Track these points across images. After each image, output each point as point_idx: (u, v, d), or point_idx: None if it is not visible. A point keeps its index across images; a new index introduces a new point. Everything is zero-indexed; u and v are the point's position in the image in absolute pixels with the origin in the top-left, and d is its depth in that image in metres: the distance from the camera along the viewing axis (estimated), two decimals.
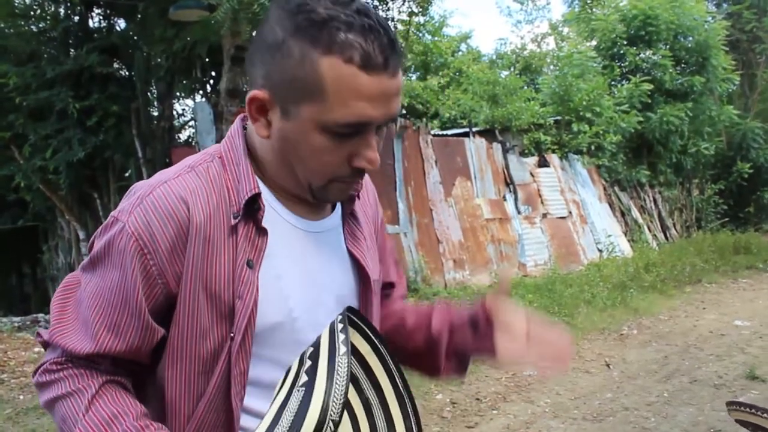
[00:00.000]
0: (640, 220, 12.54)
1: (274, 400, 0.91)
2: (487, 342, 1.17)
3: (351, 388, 1.00)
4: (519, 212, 10.48)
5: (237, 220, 0.99)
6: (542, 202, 10.88)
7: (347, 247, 1.14)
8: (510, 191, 10.58)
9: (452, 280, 9.02)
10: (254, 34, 1.05)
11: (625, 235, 11.98)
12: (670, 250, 11.57)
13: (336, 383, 0.82)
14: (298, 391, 0.86)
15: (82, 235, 9.27)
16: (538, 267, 10.08)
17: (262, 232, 1.01)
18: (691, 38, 13.43)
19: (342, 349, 0.84)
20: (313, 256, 1.08)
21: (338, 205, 1.15)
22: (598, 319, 7.42)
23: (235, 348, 0.99)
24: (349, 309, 0.96)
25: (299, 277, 1.05)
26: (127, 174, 9.14)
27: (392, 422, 1.03)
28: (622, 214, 12.39)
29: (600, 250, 11.13)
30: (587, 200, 11.54)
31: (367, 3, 0.96)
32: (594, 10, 15.44)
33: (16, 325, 7.60)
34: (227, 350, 0.99)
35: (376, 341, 1.01)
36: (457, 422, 4.58)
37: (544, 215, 10.78)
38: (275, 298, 1.02)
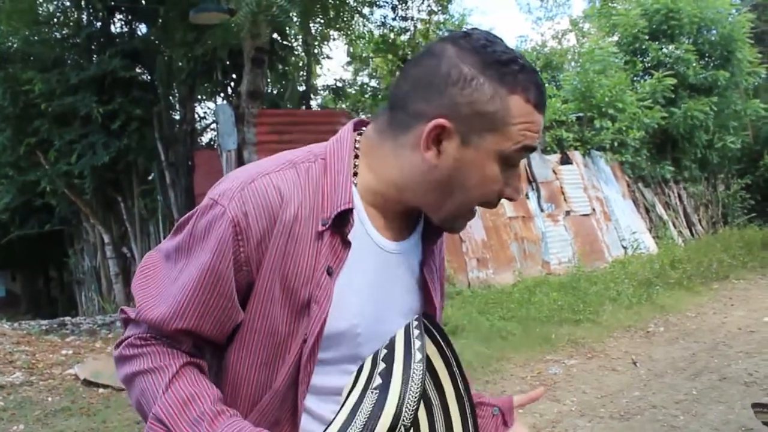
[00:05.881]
0: (665, 217, 12.39)
1: (346, 400, 0.96)
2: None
3: None
4: (542, 210, 10.41)
5: (325, 228, 1.03)
6: (565, 200, 10.79)
7: (423, 275, 1.18)
8: (533, 189, 10.51)
9: (476, 279, 8.99)
10: (414, 66, 1.07)
11: (650, 231, 11.84)
12: (696, 246, 11.41)
13: (410, 390, 0.85)
14: (372, 393, 0.89)
15: (106, 238, 9.37)
16: (562, 265, 10.00)
17: (347, 244, 1.05)
18: (714, 31, 13.23)
19: (417, 356, 0.88)
20: (386, 275, 1.11)
21: (416, 231, 1.18)
22: (623, 317, 7.34)
23: (306, 350, 1.03)
24: (423, 315, 0.99)
25: (369, 292, 1.09)
26: (150, 177, 9.22)
27: (451, 424, 1.06)
28: (647, 211, 12.24)
29: (624, 247, 11.01)
30: (611, 197, 11.43)
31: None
32: (615, 5, 15.27)
33: (44, 328, 7.70)
34: (298, 351, 1.03)
35: (443, 344, 1.05)
36: None
37: (568, 213, 10.69)
38: (343, 309, 1.05)
